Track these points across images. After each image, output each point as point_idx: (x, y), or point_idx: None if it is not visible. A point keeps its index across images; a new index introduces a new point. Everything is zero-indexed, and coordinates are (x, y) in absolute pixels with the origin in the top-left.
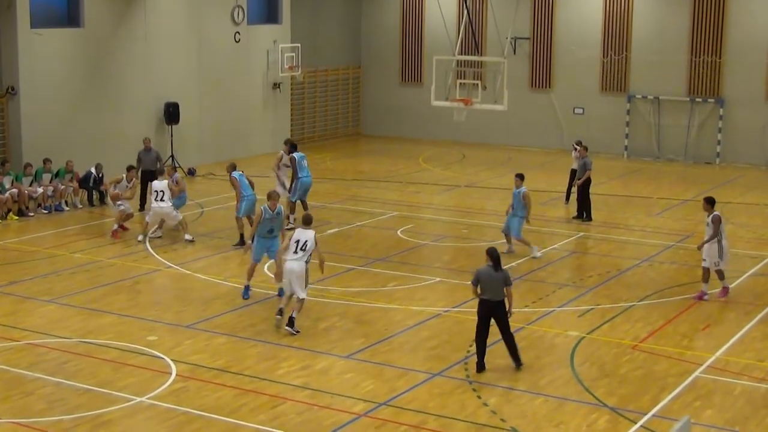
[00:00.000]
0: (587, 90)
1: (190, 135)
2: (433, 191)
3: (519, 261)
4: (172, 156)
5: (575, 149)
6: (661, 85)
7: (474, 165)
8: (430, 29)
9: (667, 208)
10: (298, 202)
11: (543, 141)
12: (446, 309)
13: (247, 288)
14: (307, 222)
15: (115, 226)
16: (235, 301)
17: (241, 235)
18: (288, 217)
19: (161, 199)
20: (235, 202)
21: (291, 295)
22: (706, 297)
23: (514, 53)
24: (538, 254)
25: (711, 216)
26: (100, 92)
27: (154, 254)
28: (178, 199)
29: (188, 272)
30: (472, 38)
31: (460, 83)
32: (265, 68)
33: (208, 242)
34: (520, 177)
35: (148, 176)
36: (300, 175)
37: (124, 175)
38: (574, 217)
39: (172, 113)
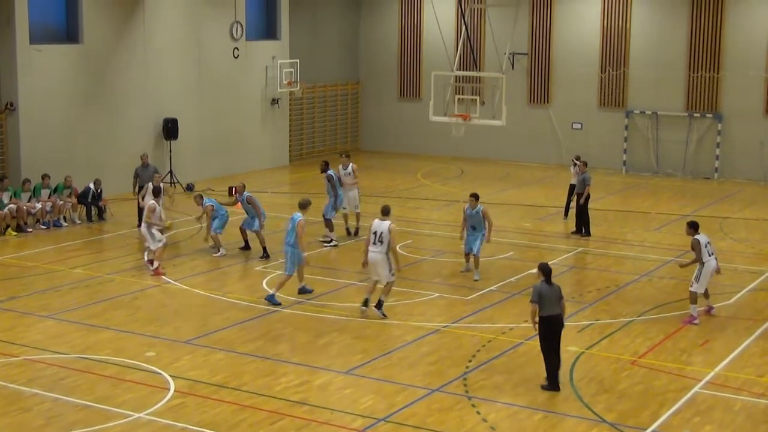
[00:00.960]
0: (585, 105)
1: (188, 151)
2: (431, 206)
3: (518, 276)
4: (171, 172)
5: (574, 164)
6: (660, 101)
7: (472, 180)
8: (428, 45)
9: (665, 223)
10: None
11: (541, 156)
12: (445, 324)
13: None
14: (384, 212)
15: (156, 264)
16: (233, 317)
17: (264, 248)
18: (329, 238)
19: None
20: (254, 220)
21: (376, 283)
22: (712, 311)
23: (513, 69)
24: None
25: (691, 241)
26: (98, 108)
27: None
28: (219, 219)
29: (187, 287)
30: (471, 54)
31: (459, 98)
32: (263, 84)
33: (207, 257)
34: (475, 197)
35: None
36: (339, 192)
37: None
38: (572, 232)
39: (170, 129)
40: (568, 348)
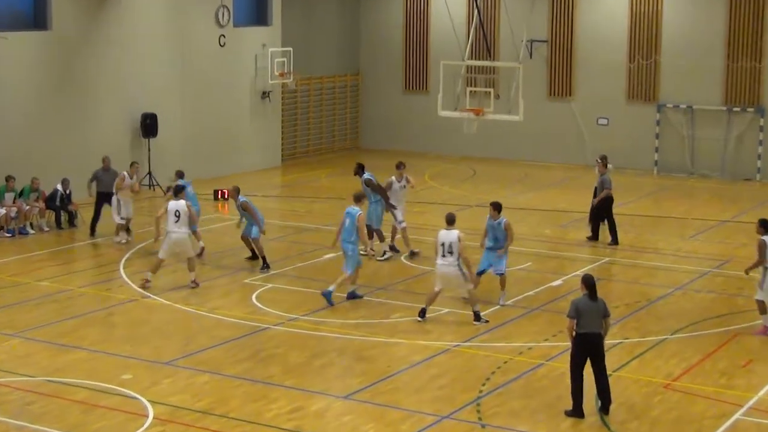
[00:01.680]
0: (612, 98)
1: (169, 149)
2: (440, 212)
3: (537, 290)
4: (150, 173)
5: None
6: (695, 93)
7: (486, 182)
8: (436, 31)
9: (702, 230)
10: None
11: (563, 155)
12: (456, 343)
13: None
14: (450, 222)
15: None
16: (220, 335)
17: (264, 258)
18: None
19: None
20: (252, 226)
21: (437, 294)
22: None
23: (531, 58)
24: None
25: (758, 241)
26: (69, 102)
27: (130, 283)
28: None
29: (168, 302)
30: (484, 41)
31: (471, 91)
32: (253, 75)
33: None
34: (497, 207)
35: (104, 199)
36: (378, 199)
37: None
38: (588, 238)
39: (149, 125)
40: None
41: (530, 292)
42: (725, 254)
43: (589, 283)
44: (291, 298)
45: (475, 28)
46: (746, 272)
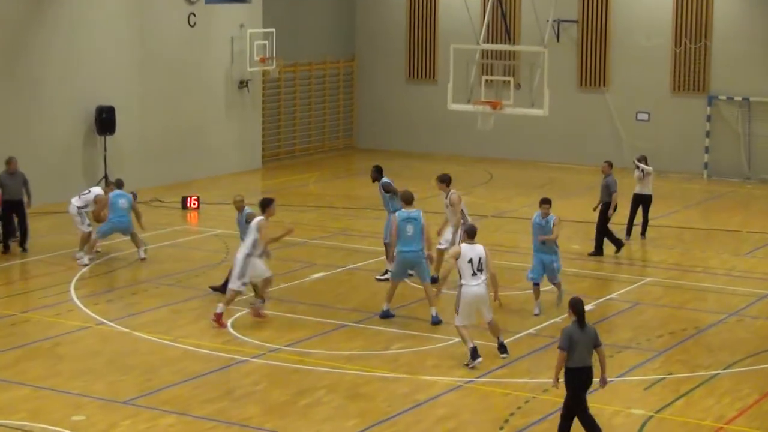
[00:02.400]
0: (654, 89)
1: (129, 148)
2: None
3: (564, 315)
4: (106, 176)
5: (636, 167)
6: (752, 83)
7: (504, 188)
8: (446, 10)
9: (760, 246)
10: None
11: (595, 156)
12: (468, 379)
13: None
14: (472, 235)
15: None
16: (188, 369)
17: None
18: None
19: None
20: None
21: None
22: None
23: (558, 41)
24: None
25: None
26: (10, 93)
27: (82, 306)
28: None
29: (126, 330)
30: (502, 21)
31: (487, 80)
32: (228, 61)
33: (153, 290)
34: (548, 202)
35: (12, 207)
36: (397, 208)
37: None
38: (590, 254)
39: (105, 120)
40: (632, 410)
41: (557, 319)
42: None
43: (577, 308)
44: (273, 325)
45: (492, 5)
46: None
